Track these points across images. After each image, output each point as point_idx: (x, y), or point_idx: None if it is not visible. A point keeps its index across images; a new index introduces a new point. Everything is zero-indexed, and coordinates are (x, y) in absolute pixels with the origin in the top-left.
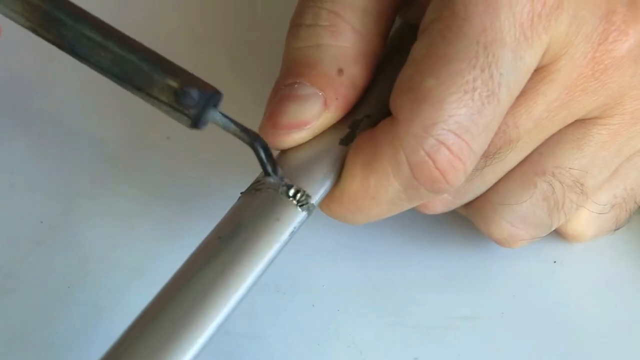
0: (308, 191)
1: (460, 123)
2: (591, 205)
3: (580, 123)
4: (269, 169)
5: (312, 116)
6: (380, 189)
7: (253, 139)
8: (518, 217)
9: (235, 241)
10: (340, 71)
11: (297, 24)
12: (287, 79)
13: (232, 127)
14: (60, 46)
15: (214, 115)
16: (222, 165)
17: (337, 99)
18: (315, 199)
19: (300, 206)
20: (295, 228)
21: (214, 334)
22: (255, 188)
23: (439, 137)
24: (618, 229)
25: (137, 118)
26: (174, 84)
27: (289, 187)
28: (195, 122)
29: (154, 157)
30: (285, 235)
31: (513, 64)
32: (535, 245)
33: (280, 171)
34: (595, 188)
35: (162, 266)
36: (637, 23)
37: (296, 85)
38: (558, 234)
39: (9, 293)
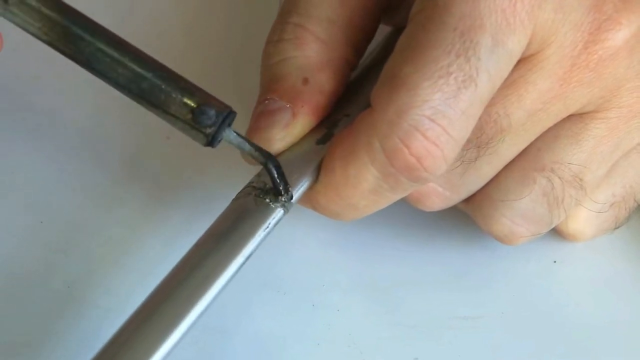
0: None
1: (435, 108)
2: (590, 204)
3: (578, 117)
4: (281, 188)
5: (282, 128)
6: (360, 178)
7: (266, 159)
8: (518, 214)
9: (211, 245)
10: (306, 80)
11: (268, 42)
12: (262, 96)
13: (247, 146)
14: (77, 61)
15: (228, 134)
16: (222, 165)
17: (302, 106)
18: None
19: (272, 203)
20: (269, 224)
21: (190, 327)
22: (236, 197)
23: (413, 122)
24: (618, 227)
25: (137, 118)
26: (191, 102)
27: (263, 187)
28: (211, 141)
29: (154, 156)
30: (259, 231)
31: (493, 50)
32: (536, 245)
33: (291, 190)
34: (594, 184)
35: (161, 265)
36: (629, 12)
37: (266, 102)
38: (558, 234)
39: (9, 293)
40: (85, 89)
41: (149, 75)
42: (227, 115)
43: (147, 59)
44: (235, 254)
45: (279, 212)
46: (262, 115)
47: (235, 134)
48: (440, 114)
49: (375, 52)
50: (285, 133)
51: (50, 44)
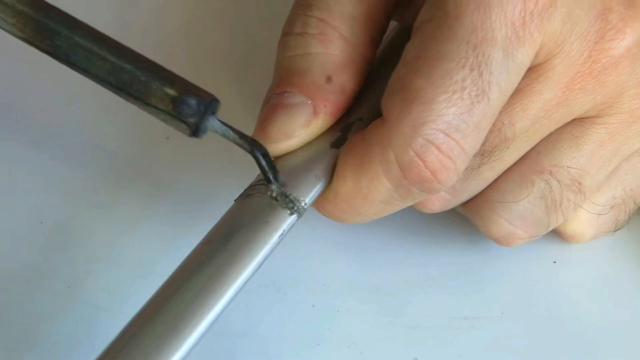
0: (298, 194)
1: (449, 122)
2: (590, 206)
3: (579, 122)
4: (270, 176)
5: (301, 124)
6: (372, 189)
7: (253, 146)
8: (516, 216)
9: (224, 245)
10: (329, 78)
11: (287, 33)
12: (278, 87)
13: (231, 134)
14: (55, 56)
15: (212, 123)
16: (222, 164)
17: (325, 106)
18: (305, 202)
19: (289, 209)
20: (284, 230)
21: (205, 332)
22: (247, 194)
23: (428, 136)
24: (617, 229)
25: (137, 118)
26: (171, 92)
27: (280, 190)
28: (195, 131)
29: (154, 157)
30: (274, 238)
31: (504, 63)
32: (535, 245)
33: (280, 177)
34: (594, 188)
35: (162, 266)
36: (634, 21)
37: (286, 94)
38: (558, 235)
39: (9, 293)
40: (85, 89)
41: (128, 66)
42: (209, 104)
43: (125, 50)
44: (250, 261)
45: (293, 218)
46: (278, 107)
47: (219, 122)
48: (454, 128)
49: (383, 49)
50: (304, 131)
51: (26, 40)
